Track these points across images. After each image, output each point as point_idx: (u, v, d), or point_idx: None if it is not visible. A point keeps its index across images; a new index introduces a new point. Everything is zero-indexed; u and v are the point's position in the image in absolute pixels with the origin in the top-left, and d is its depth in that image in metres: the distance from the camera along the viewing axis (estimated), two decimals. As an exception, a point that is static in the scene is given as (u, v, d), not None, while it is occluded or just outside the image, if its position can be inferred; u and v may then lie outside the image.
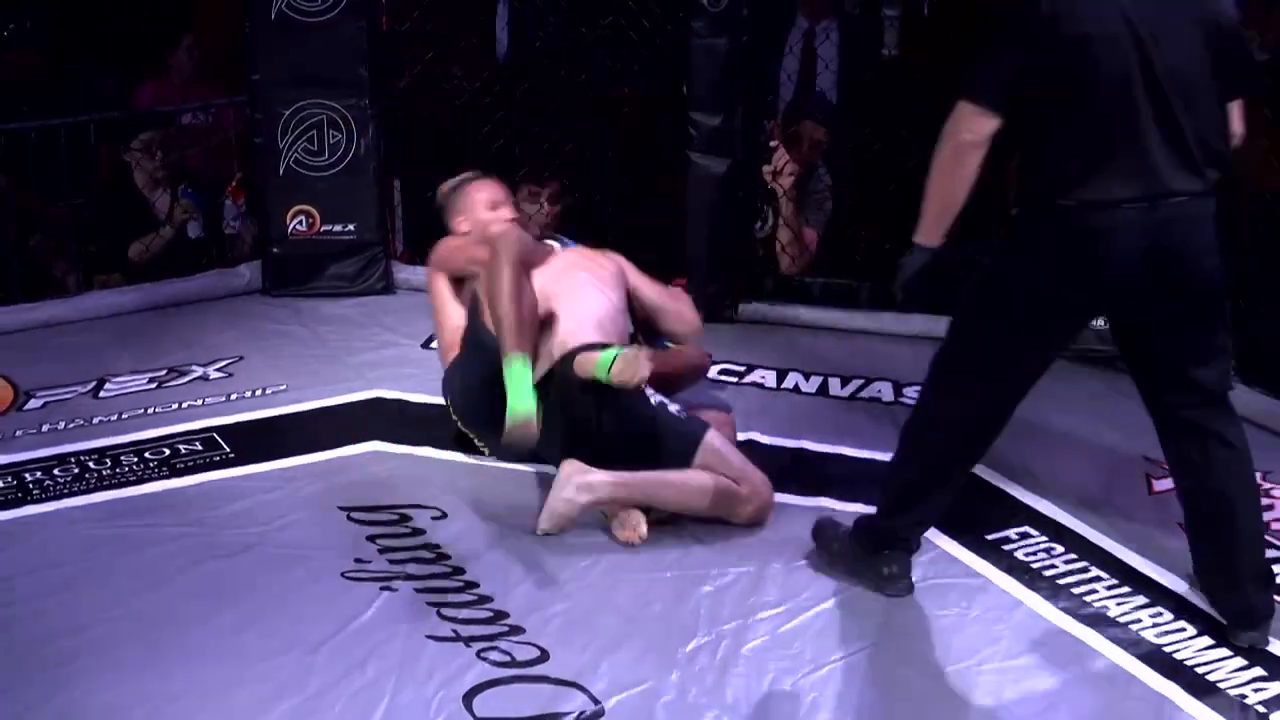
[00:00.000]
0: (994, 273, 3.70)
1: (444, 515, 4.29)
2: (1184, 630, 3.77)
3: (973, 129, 3.49)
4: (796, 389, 5.16)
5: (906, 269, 3.73)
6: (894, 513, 3.90)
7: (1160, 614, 3.84)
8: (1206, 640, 3.72)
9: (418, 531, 4.20)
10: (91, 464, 4.59)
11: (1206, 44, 3.51)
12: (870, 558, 3.93)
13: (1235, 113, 3.66)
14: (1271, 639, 3.69)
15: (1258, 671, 3.60)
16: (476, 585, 3.92)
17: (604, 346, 4.25)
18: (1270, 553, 3.94)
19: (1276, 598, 3.77)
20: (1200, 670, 3.61)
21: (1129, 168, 3.47)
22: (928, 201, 3.63)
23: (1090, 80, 3.45)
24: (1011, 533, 4.21)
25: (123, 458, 4.63)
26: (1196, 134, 3.50)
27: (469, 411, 4.53)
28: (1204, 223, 3.57)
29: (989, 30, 3.55)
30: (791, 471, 4.55)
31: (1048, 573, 4.02)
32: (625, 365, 4.12)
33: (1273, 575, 3.80)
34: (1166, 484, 4.46)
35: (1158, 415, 3.77)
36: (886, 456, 4.56)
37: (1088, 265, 3.53)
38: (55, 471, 4.54)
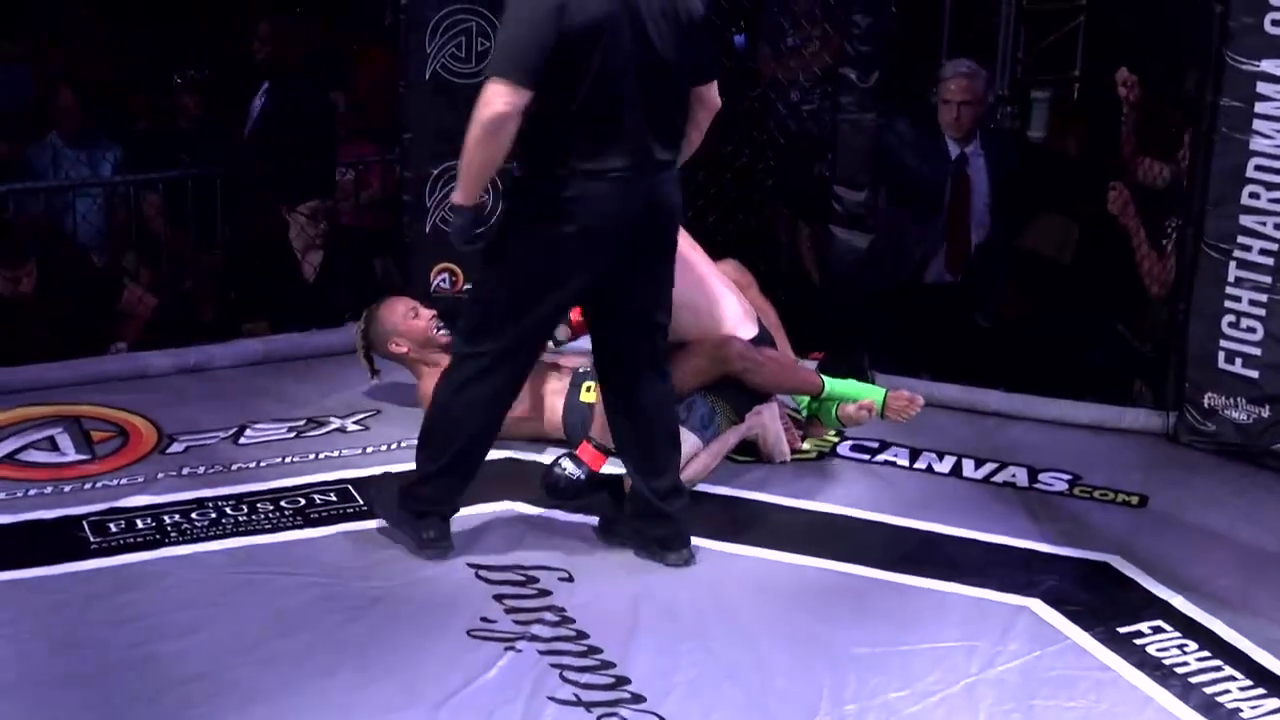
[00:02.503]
0: (508, 236, 4.17)
1: (571, 578, 4.30)
2: (1319, 737, 3.69)
3: (508, 101, 3.90)
4: (929, 469, 5.11)
5: (457, 230, 4.18)
6: (432, 478, 4.31)
7: (1295, 718, 3.75)
8: (1342, 749, 3.64)
9: (544, 592, 4.22)
10: (228, 509, 4.67)
11: (678, 35, 4.03)
12: (413, 520, 4.35)
13: (708, 93, 4.24)
14: None
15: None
16: (600, 650, 3.93)
17: None
18: None
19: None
20: (1335, 779, 3.53)
21: (623, 142, 3.99)
22: (467, 169, 4.06)
23: (595, 65, 3.92)
24: (1144, 626, 4.13)
25: (259, 505, 4.71)
26: (669, 115, 4.11)
27: None
28: (676, 189, 4.21)
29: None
30: (921, 554, 4.51)
31: (1180, 670, 3.94)
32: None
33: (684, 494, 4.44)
34: (1305, 584, 4.39)
35: (613, 353, 4.35)
36: (1020, 542, 4.57)
37: (587, 224, 4.03)
38: (193, 515, 4.62)
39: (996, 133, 6.56)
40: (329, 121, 7.22)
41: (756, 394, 5.01)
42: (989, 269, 6.22)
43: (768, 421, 5.08)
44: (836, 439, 5.27)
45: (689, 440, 4.80)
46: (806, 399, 5.18)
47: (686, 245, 4.94)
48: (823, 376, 5.16)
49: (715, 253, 5.17)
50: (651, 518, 4.40)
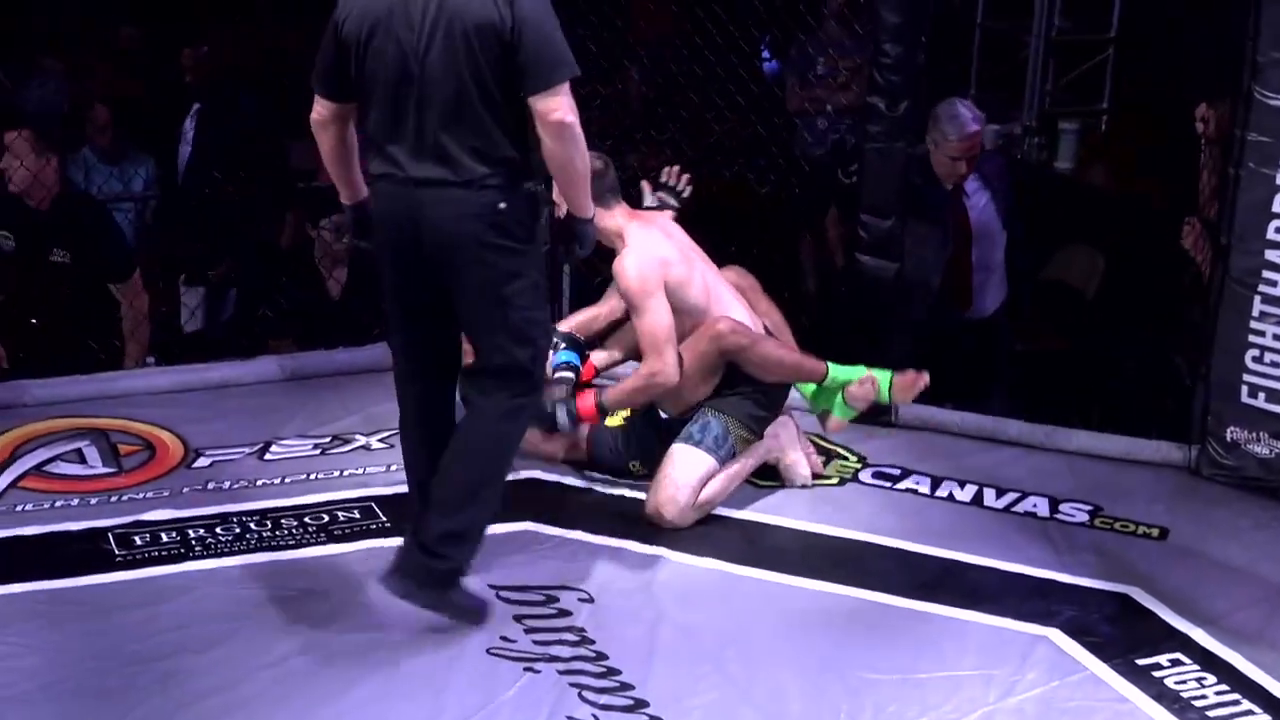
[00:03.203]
0: None
1: (591, 599, 4.32)
2: (1336, 773, 3.68)
3: (316, 109, 4.16)
4: (951, 497, 5.12)
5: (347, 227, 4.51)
6: (419, 504, 4.25)
7: (1312, 754, 3.75)
8: (1359, 785, 3.64)
9: (564, 613, 4.24)
10: (253, 525, 4.70)
11: (448, 46, 3.93)
12: None
13: (538, 105, 3.92)
14: None
15: None
16: (619, 672, 3.95)
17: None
18: None
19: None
20: (1351, 815, 3.52)
21: (391, 152, 4.02)
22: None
23: (365, 77, 4.02)
24: (1163, 659, 4.13)
25: (283, 521, 4.74)
26: (449, 131, 3.96)
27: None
28: (458, 207, 3.97)
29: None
30: (940, 582, 4.52)
31: (1198, 703, 3.94)
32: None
33: (448, 543, 4.10)
34: (1325, 620, 4.39)
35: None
36: (1040, 572, 4.58)
37: (377, 227, 4.16)
38: (218, 530, 4.66)
39: (987, 153, 6.48)
40: (272, 138, 7.24)
41: (768, 408, 4.99)
42: (1013, 297, 6.21)
43: (787, 445, 5.10)
44: (859, 465, 5.28)
45: (705, 462, 4.81)
46: (812, 389, 5.10)
47: (692, 252, 4.97)
48: (826, 362, 5.08)
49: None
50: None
